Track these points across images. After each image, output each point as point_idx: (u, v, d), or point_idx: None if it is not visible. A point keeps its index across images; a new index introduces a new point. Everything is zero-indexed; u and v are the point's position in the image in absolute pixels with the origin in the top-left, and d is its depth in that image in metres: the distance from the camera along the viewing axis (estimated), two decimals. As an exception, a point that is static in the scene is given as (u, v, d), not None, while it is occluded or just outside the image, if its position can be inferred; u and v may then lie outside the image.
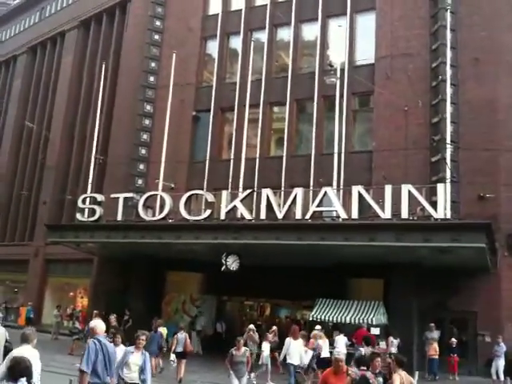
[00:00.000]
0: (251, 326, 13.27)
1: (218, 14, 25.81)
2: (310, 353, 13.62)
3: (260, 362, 14.58)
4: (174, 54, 24.20)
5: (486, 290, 18.02)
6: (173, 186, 22.19)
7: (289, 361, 11.75)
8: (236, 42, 25.42)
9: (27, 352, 5.87)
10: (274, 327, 16.96)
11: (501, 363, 16.37)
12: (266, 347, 14.69)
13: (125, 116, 26.34)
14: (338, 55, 22.21)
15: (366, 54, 22.25)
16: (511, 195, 17.97)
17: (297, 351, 12.53)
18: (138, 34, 27.33)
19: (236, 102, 23.78)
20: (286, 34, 24.54)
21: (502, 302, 17.99)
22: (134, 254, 21.79)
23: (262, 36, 24.61)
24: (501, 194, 18.48)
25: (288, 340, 12.76)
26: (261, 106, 23.22)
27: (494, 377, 16.30)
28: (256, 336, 15.14)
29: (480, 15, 20.48)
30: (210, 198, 19.48)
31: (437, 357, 16.70)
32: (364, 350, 11.70)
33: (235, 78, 24.58)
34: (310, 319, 17.84)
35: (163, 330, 16.33)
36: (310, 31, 24.07)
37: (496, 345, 16.69)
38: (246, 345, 10.68)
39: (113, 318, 18.14)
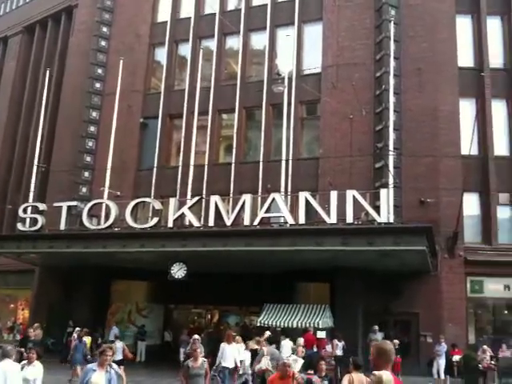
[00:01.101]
0: (196, 336, 13.10)
1: (166, 22, 25.73)
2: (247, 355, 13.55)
3: (241, 372, 13.71)
4: (122, 61, 23.88)
5: (428, 292, 18.58)
6: (119, 193, 21.81)
7: (223, 364, 11.87)
8: (185, 50, 25.40)
9: (9, 367, 5.97)
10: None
11: (442, 362, 16.85)
12: (247, 356, 13.99)
13: (69, 123, 25.72)
14: (285, 64, 22.60)
15: (313, 63, 22.68)
16: (451, 200, 18.57)
17: (231, 355, 12.67)
18: (84, 40, 26.85)
19: (185, 108, 23.71)
20: (234, 43, 24.72)
21: (442, 303, 18.60)
22: (78, 263, 21.22)
23: (211, 44, 24.70)
24: (441, 199, 19.15)
25: (223, 345, 12.90)
26: (209, 113, 23.24)
27: (436, 376, 16.77)
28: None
29: (422, 26, 21.30)
30: (158, 205, 19.24)
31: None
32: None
33: (184, 85, 24.52)
34: (258, 325, 17.83)
35: (88, 340, 16.51)
36: (259, 40, 24.36)
37: (437, 345, 17.19)
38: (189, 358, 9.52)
39: (31, 330, 17.28)
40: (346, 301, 17.49)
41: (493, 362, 16.84)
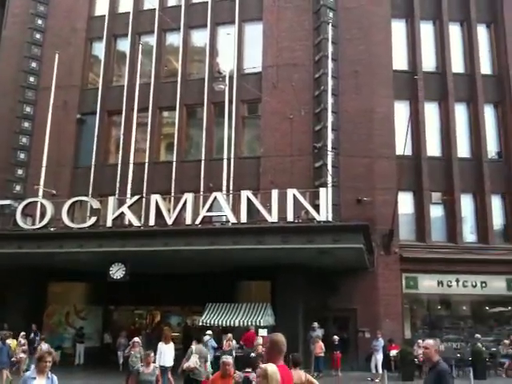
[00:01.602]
0: (136, 339, 12.92)
1: (104, 16, 25.09)
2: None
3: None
4: (57, 55, 23.11)
5: (365, 288, 19.20)
6: (54, 192, 21.13)
7: (162, 363, 11.95)
8: (124, 45, 24.86)
9: None
10: (229, 335, 16.13)
11: (379, 357, 17.47)
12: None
13: (2, 118, 24.55)
14: (226, 62, 22.64)
15: (253, 62, 22.82)
16: (386, 198, 19.25)
17: (169, 354, 12.73)
18: (17, 32, 25.66)
19: (124, 105, 23.26)
20: (175, 39, 24.45)
21: (379, 299, 19.28)
22: (12, 264, 20.34)
23: (151, 40, 24.32)
24: (377, 198, 19.79)
25: (160, 345, 12.93)
26: (150, 111, 22.91)
27: (374, 371, 17.36)
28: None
29: (358, 29, 21.90)
30: (96, 204, 18.77)
31: (323, 354, 17.36)
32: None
33: (123, 81, 24.03)
34: (200, 324, 17.81)
35: (13, 343, 16.19)
36: (200, 37, 24.24)
37: (375, 340, 17.80)
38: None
39: None
40: (286, 298, 17.74)
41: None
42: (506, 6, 22.98)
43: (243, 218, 16.91)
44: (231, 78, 22.11)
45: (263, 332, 16.73)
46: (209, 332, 16.32)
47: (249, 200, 17.04)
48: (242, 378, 9.07)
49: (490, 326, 20.75)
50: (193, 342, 12.56)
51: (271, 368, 4.07)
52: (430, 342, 5.92)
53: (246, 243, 16.40)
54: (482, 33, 23.33)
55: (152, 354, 9.18)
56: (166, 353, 12.71)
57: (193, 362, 11.14)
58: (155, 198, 17.72)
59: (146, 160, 22.24)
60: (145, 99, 22.82)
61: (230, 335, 15.87)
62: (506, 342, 18.48)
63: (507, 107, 21.98)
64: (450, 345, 19.48)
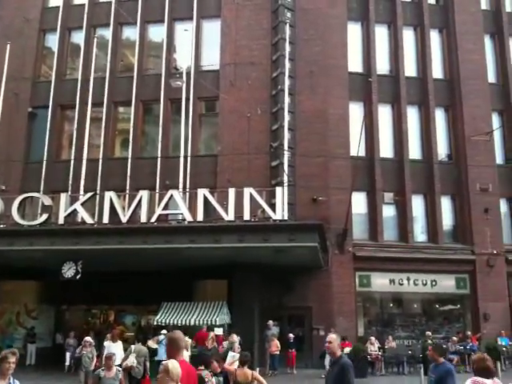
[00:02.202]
0: (87, 339, 12.66)
1: (58, 7, 24.37)
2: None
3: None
4: (9, 46, 22.30)
5: (320, 287, 19.49)
6: (4, 187, 20.42)
7: None
8: (78, 37, 24.22)
9: None
10: (212, 333, 16.16)
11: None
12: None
13: None
14: (184, 59, 22.41)
15: (211, 59, 22.71)
16: (340, 198, 19.57)
17: (117, 353, 12.44)
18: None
19: (77, 99, 22.68)
20: (131, 33, 24.02)
21: (333, 297, 19.61)
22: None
23: (107, 33, 23.81)
24: (331, 197, 20.10)
25: (107, 343, 12.99)
26: (104, 105, 22.44)
27: (328, 368, 17.59)
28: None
29: (315, 30, 22.14)
30: (47, 201, 18.24)
31: (278, 352, 17.52)
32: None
33: (77, 75, 23.41)
34: (155, 323, 17.61)
35: None
36: (157, 33, 23.90)
37: (328, 337, 18.05)
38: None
39: None
40: (242, 297, 17.78)
41: (380, 353, 18.08)
42: (458, 12, 23.76)
43: (200, 217, 16.85)
44: (188, 74, 21.91)
45: (219, 330, 16.73)
46: (163, 331, 16.15)
47: (205, 198, 17.01)
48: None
49: (440, 323, 21.46)
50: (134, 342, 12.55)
51: (172, 364, 4.29)
52: (333, 336, 6.06)
53: (203, 242, 16.35)
54: (434, 38, 24.03)
55: (114, 357, 8.88)
56: (113, 351, 12.25)
57: (130, 361, 11.43)
58: (109, 195, 17.43)
59: (100, 156, 21.79)
60: (99, 94, 22.34)
61: (212, 333, 16.03)
62: (455, 338, 19.13)
63: (457, 111, 22.73)
64: (401, 342, 20.05)
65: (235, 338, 14.48)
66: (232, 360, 12.03)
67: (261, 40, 22.25)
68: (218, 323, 17.03)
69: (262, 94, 21.37)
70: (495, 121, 23.02)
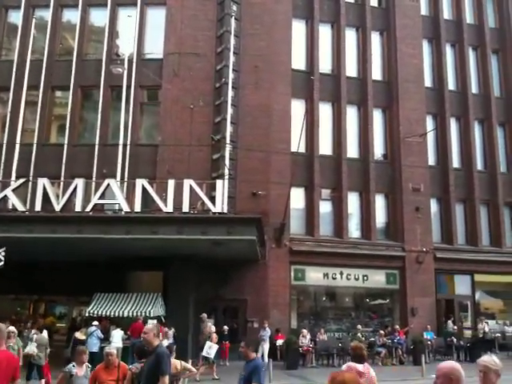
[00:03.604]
0: (11, 328, 12.24)
1: (-5, -16, 23.21)
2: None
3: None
4: None
5: (256, 279, 19.70)
6: None
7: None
8: (16, 17, 23.14)
9: None
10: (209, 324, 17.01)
11: (266, 347, 17.99)
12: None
13: None
14: (126, 46, 21.93)
15: (155, 48, 22.33)
16: (279, 193, 19.82)
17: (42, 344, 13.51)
18: None
19: (12, 81, 21.69)
20: (72, 16, 23.19)
21: (269, 290, 19.87)
22: None
23: (46, 14, 22.88)
24: (271, 192, 20.32)
25: (34, 332, 13.89)
26: (41, 89, 21.61)
27: (260, 360, 17.83)
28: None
29: (260, 25, 22.21)
30: (-24, 186, 17.42)
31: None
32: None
33: (13, 56, 22.37)
34: (87, 315, 17.21)
35: None
36: (99, 17, 23.20)
37: (262, 330, 18.31)
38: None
39: None
40: (178, 289, 17.70)
41: (311, 345, 18.50)
42: (399, 16, 24.55)
43: (137, 207, 16.58)
44: (131, 62, 21.46)
45: (153, 323, 16.55)
46: (95, 323, 15.86)
47: (144, 189, 16.74)
48: (139, 369, 8.96)
49: (371, 317, 22.24)
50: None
51: None
52: (148, 327, 6.22)
53: (140, 233, 16.10)
54: (375, 40, 24.75)
55: (87, 352, 8.13)
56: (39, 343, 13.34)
57: (31, 349, 12.63)
58: (43, 181, 16.83)
59: (35, 141, 21.00)
60: (36, 77, 21.49)
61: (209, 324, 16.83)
62: (382, 332, 19.86)
63: (394, 112, 23.53)
64: (332, 335, 20.61)
65: (213, 328, 15.85)
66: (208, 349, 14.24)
67: (206, 31, 22.07)
68: (152, 315, 16.86)
69: (205, 85, 21.24)
70: (429, 123, 24.01)
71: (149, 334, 5.93)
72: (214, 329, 16.33)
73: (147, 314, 16.90)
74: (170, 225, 16.27)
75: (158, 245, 16.75)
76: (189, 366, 8.51)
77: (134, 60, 21.72)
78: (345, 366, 6.18)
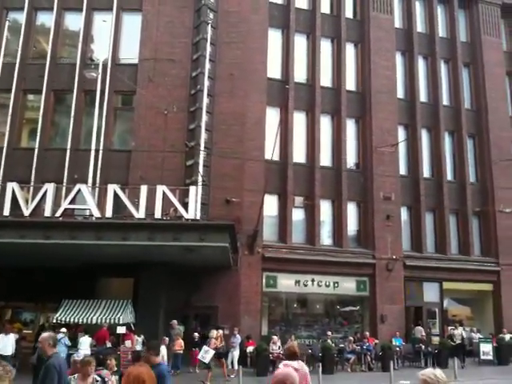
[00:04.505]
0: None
1: (-33, -15, 22.89)
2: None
3: None
4: None
5: (228, 286, 19.70)
6: None
7: (1, 353, 13.44)
8: (-13, 19, 22.84)
9: None
10: (220, 331, 17.42)
11: (236, 353, 18.00)
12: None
13: None
14: (101, 50, 21.88)
15: (130, 53, 22.27)
16: (253, 200, 19.90)
17: (9, 344, 14.04)
18: None
19: (-17, 84, 21.39)
20: (47, 20, 23.00)
21: (240, 297, 19.90)
22: None
23: (20, 17, 22.65)
24: (244, 199, 20.41)
25: (1, 336, 14.05)
26: (13, 92, 21.37)
27: (230, 366, 17.84)
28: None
29: (237, 33, 22.36)
30: None
31: (181, 352, 17.50)
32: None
33: (-16, 58, 22.05)
34: (54, 321, 16.98)
35: None
36: (74, 21, 23.05)
37: (233, 336, 18.31)
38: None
39: None
40: (149, 296, 17.59)
41: (281, 352, 18.52)
42: (373, 28, 24.98)
43: (108, 213, 16.49)
44: (105, 66, 21.37)
45: (122, 329, 16.47)
46: (63, 330, 15.68)
47: (116, 194, 16.66)
48: (97, 375, 8.93)
49: (341, 323, 22.43)
50: None
51: None
52: (44, 336, 6.22)
53: (110, 239, 16.04)
54: (350, 51, 25.12)
55: (93, 364, 7.17)
56: (5, 343, 14.07)
57: None
58: (11, 186, 16.61)
59: (5, 145, 20.73)
60: (8, 80, 21.21)
61: (219, 332, 17.36)
62: (351, 338, 20.06)
63: (367, 122, 23.89)
64: (302, 341, 20.69)
65: (215, 333, 16.49)
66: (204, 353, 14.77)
67: (182, 38, 22.13)
68: (121, 322, 16.74)
69: (180, 92, 21.27)
70: (401, 134, 24.45)
71: (43, 344, 5.90)
72: (215, 334, 16.72)
73: (116, 321, 16.77)
74: (142, 231, 16.20)
75: (128, 251, 16.67)
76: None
77: (109, 65, 21.63)
78: (281, 364, 6.82)
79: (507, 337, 21.16)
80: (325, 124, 23.69)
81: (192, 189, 17.53)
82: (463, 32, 27.56)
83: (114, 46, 22.17)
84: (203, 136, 20.33)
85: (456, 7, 27.32)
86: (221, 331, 17.88)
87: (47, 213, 16.42)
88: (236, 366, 17.40)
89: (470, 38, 27.49)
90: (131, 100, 22.33)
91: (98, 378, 7.84)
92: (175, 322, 17.97)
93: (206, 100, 20.76)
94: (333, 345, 19.14)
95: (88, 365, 6.78)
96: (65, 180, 19.79)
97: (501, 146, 25.56)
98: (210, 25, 21.65)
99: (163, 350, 15.05)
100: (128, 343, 16.20)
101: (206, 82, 20.89)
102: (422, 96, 25.59)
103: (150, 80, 21.51)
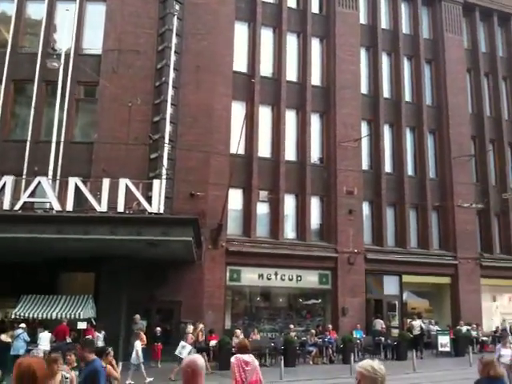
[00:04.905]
0: None
1: None
2: None
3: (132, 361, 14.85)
4: None
5: (191, 281, 19.70)
6: None
7: None
8: None
9: None
10: (201, 325, 17.76)
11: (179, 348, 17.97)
12: (138, 345, 14.98)
13: None
14: (64, 40, 21.34)
15: (93, 43, 21.87)
16: (217, 194, 19.95)
17: None
18: None
19: None
20: (8, 8, 22.37)
21: (203, 291, 19.93)
22: None
23: (-22, 5, 21.95)
24: (209, 193, 20.41)
25: None
26: (-29, 81, 20.71)
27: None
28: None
29: (203, 25, 22.19)
30: None
31: (144, 346, 17.43)
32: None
33: None
34: (13, 317, 16.69)
35: None
36: (36, 10, 22.48)
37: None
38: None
39: None
40: (111, 290, 17.44)
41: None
42: (338, 23, 25.17)
43: (69, 207, 16.25)
44: (68, 57, 20.90)
45: (82, 325, 16.33)
46: (22, 325, 15.44)
47: (77, 187, 16.44)
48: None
49: (304, 316, 22.75)
50: None
51: None
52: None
53: (71, 233, 15.82)
54: (315, 46, 25.26)
55: (60, 360, 7.16)
56: None
57: None
58: (-31, 178, 16.19)
59: (-38, 136, 20.13)
60: (-35, 68, 20.59)
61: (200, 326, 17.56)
62: (313, 331, 20.38)
63: (331, 117, 24.14)
64: (265, 334, 20.93)
65: (191, 328, 16.84)
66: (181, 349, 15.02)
67: (147, 29, 21.83)
68: (82, 317, 16.59)
69: (145, 83, 21.02)
70: (364, 129, 24.82)
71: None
72: (191, 329, 16.96)
73: (77, 317, 16.61)
74: (104, 225, 16.05)
75: (90, 245, 16.49)
76: (112, 370, 8.46)
77: (72, 55, 21.19)
78: (234, 357, 7.24)
79: (464, 329, 21.88)
80: (290, 118, 23.83)
81: (156, 182, 17.43)
82: (426, 29, 28.06)
83: (77, 35, 21.72)
84: (168, 129, 20.19)
85: (420, 5, 27.79)
86: (201, 325, 18.00)
87: (6, 206, 16.11)
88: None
89: (432, 36, 28.02)
90: (94, 91, 21.95)
91: (68, 375, 7.77)
92: (138, 316, 17.91)
93: (171, 92, 20.58)
94: (295, 338, 19.39)
95: (54, 362, 6.53)
96: (24, 172, 19.36)
97: (460, 142, 26.26)
98: (176, 16, 21.42)
99: (138, 344, 15.21)
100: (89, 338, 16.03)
101: (172, 74, 20.70)
102: (385, 92, 26.01)
103: (114, 71, 21.19)
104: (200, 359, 3.76)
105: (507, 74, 29.30)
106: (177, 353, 15.48)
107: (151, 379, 15.18)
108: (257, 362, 7.21)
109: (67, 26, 21.40)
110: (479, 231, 26.30)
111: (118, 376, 11.29)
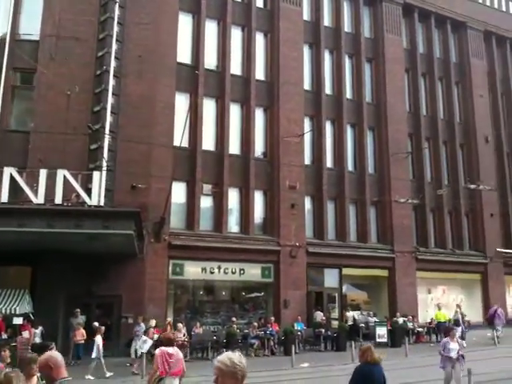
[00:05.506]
0: None
1: None
2: None
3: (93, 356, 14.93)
4: None
5: (132, 275, 19.35)
6: None
7: None
8: None
9: None
10: (169, 319, 18.22)
11: (140, 342, 17.73)
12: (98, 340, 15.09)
13: None
14: (-1, 24, 20.33)
15: (31, 29, 20.97)
16: (160, 186, 19.69)
17: None
18: None
19: None
20: None
21: (145, 285, 19.64)
22: None
23: None
24: (152, 185, 20.09)
25: None
26: None
27: (133, 356, 17.56)
28: None
29: (146, 15, 21.76)
30: None
31: (83, 341, 17.01)
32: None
33: None
34: None
35: None
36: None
37: (137, 325, 18.03)
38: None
39: None
40: (48, 285, 16.94)
41: (186, 339, 18.60)
42: (282, 19, 25.37)
43: (4, 198, 15.59)
44: (3, 42, 19.98)
45: (18, 320, 15.71)
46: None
47: (12, 178, 15.79)
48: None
49: (247, 309, 22.88)
50: None
51: None
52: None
53: (5, 225, 15.21)
54: (259, 40, 25.33)
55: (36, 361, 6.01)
56: None
57: None
58: None
59: None
60: None
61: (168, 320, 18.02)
62: (255, 324, 20.56)
63: (274, 112, 24.33)
64: (208, 328, 20.90)
65: (154, 323, 17.33)
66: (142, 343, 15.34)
67: (88, 16, 21.09)
68: (18, 312, 15.96)
69: (85, 72, 20.34)
70: (307, 125, 25.19)
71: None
72: (154, 323, 17.46)
73: (13, 312, 15.98)
74: (40, 217, 15.51)
75: (26, 238, 15.88)
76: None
77: (7, 40, 20.23)
78: (158, 349, 7.84)
79: (400, 320, 22.70)
80: (234, 112, 23.81)
81: (96, 174, 17.03)
82: (367, 28, 28.78)
83: (14, 20, 20.76)
84: (108, 119, 19.64)
85: (361, 4, 28.45)
86: (169, 319, 18.13)
87: None
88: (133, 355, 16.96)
89: (373, 35, 28.77)
90: (31, 78, 21.05)
91: None
92: (79, 310, 17.45)
93: (112, 81, 20.03)
94: (237, 331, 19.48)
95: (33, 362, 5.31)
96: (-46, 162, 18.33)
97: (398, 139, 27.18)
98: (117, 4, 20.85)
99: (98, 339, 15.22)
100: (25, 334, 15.47)
101: (113, 63, 20.15)
102: (327, 88, 26.49)
103: (52, 58, 20.40)
104: (57, 356, 4.09)
105: (443, 75, 30.56)
106: (137, 347, 15.30)
107: (111, 373, 15.12)
108: (181, 355, 7.92)
109: (3, 11, 20.53)
110: (415, 226, 27.34)
111: None
